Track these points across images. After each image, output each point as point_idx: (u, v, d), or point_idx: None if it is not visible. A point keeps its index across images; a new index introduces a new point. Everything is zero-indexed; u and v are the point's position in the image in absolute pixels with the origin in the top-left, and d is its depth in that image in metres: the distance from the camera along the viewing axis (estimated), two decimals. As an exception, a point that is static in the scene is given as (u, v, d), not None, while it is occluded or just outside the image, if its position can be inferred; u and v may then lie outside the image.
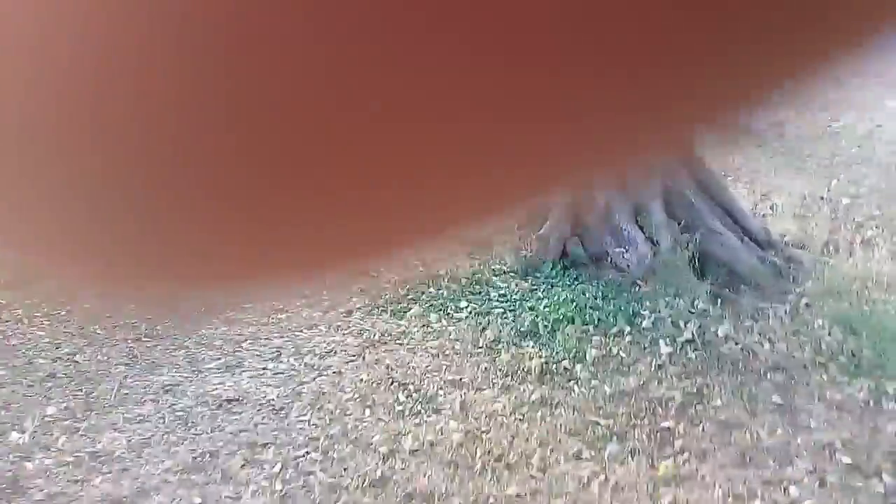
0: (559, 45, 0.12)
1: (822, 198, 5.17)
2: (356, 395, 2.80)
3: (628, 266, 3.85)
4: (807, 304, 3.51)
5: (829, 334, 3.20)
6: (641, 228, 3.93)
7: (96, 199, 0.15)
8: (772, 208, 4.96)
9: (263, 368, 2.99)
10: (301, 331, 3.34)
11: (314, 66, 0.12)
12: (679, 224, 3.90)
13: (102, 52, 0.12)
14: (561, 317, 3.31)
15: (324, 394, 2.81)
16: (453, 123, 0.13)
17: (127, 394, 2.86)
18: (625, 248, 3.92)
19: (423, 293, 3.65)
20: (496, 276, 3.82)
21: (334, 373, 2.95)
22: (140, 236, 0.15)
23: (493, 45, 0.12)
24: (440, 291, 3.66)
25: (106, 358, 3.14)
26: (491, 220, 0.15)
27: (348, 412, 2.70)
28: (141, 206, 0.14)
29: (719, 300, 3.51)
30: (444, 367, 2.98)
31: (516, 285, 3.69)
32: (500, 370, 2.93)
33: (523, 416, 2.64)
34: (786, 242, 4.19)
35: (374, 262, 0.16)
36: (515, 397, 2.76)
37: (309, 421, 2.64)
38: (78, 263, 0.17)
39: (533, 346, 3.09)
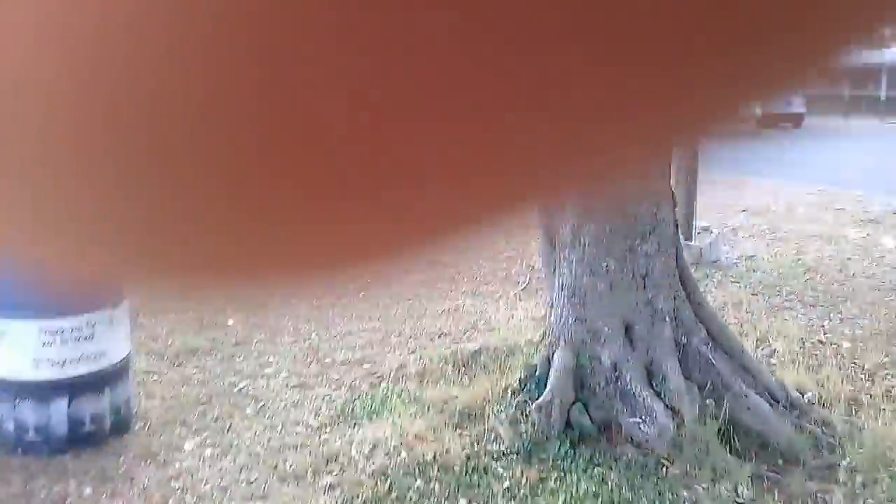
0: (562, 46, 0.12)
1: (821, 342, 4.81)
2: None
3: (647, 440, 3.28)
4: (863, 484, 2.99)
5: (909, 529, 2.66)
6: (658, 394, 3.39)
7: (110, 196, 0.15)
8: (773, 355, 4.54)
9: None
10: (259, 552, 2.58)
11: (324, 68, 0.12)
12: (701, 388, 3.39)
13: (130, 51, 0.13)
14: (588, 519, 2.67)
15: None
16: (460, 124, 0.13)
17: None
18: (640, 417, 3.36)
19: (409, 489, 2.96)
20: (495, 459, 3.17)
21: None
22: (151, 234, 0.15)
23: (496, 48, 0.12)
24: (430, 486, 2.98)
25: None
26: (496, 222, 0.15)
27: None
28: (154, 204, 0.15)
29: (765, 484, 2.95)
30: None
31: (522, 473, 3.05)
32: None
33: None
34: (808, 401, 3.71)
35: (376, 264, 0.16)
36: None
37: None
38: (89, 259, 0.17)
39: (564, 569, 2.42)
